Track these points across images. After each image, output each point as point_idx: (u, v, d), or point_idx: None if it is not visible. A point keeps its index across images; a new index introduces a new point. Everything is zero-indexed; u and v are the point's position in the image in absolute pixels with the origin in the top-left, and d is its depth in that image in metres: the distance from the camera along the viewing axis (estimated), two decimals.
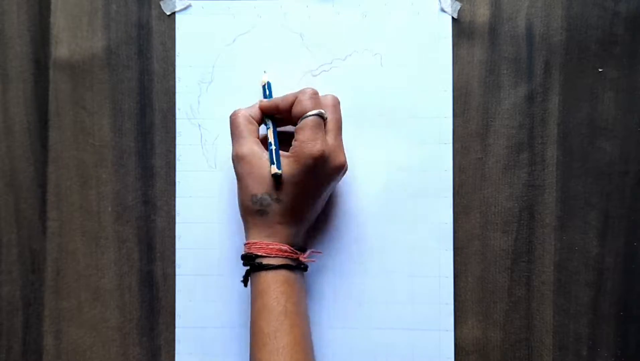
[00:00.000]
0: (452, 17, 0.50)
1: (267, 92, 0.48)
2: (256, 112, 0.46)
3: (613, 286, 0.49)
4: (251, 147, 0.44)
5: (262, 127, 0.48)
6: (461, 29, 0.50)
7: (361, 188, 0.50)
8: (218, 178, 0.51)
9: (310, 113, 0.43)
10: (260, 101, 0.47)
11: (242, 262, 0.45)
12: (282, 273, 0.43)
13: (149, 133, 0.51)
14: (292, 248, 0.44)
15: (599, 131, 0.50)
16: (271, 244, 0.44)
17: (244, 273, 0.45)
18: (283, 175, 0.43)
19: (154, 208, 0.51)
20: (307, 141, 0.43)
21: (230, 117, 0.46)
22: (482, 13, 0.50)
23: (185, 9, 0.51)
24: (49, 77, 0.51)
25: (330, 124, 0.45)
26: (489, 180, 0.50)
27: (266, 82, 0.49)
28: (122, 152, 0.51)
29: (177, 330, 0.50)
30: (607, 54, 0.50)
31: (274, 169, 0.43)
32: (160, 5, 0.51)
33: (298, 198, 0.44)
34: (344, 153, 0.45)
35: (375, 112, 0.50)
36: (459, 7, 0.50)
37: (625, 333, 0.49)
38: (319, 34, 0.51)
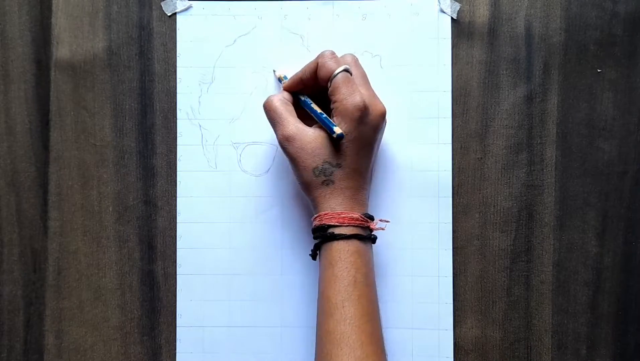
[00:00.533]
0: (452, 18, 0.50)
1: (282, 81, 0.49)
2: (287, 94, 0.47)
3: (612, 286, 0.49)
4: (295, 125, 0.44)
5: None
6: (460, 29, 0.50)
7: None
8: (219, 178, 0.51)
9: (337, 71, 0.43)
10: (283, 84, 0.47)
11: (312, 235, 0.45)
12: (354, 243, 0.43)
13: (149, 134, 0.51)
14: (362, 216, 0.44)
15: (597, 131, 0.50)
16: (342, 213, 0.43)
17: (312, 247, 0.45)
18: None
19: (155, 208, 0.51)
20: (346, 96, 0.43)
21: (265, 104, 0.46)
22: (482, 14, 0.50)
23: (186, 9, 0.51)
24: (50, 78, 0.51)
25: (357, 78, 0.45)
26: (488, 180, 0.50)
27: (282, 75, 0.49)
28: (123, 152, 0.51)
29: (177, 330, 0.50)
30: (606, 54, 0.50)
31: (337, 130, 0.42)
32: (161, 6, 0.51)
33: (356, 157, 0.44)
34: (381, 101, 0.45)
35: None
36: (458, 8, 0.50)
37: (624, 332, 0.49)
38: (319, 36, 0.51)
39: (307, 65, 0.45)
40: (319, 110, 0.45)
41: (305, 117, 0.46)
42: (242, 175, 0.51)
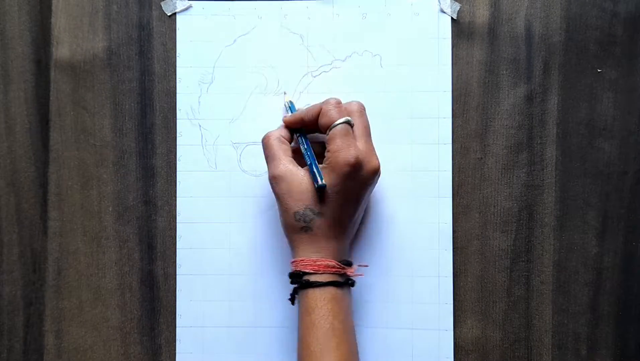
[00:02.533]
0: (452, 18, 0.50)
1: (290, 111, 0.49)
2: (285, 132, 0.47)
3: (612, 286, 0.49)
4: (286, 166, 0.44)
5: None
6: (460, 29, 0.50)
7: None
8: (218, 179, 0.51)
9: (337, 122, 0.43)
10: (284, 117, 0.48)
11: (290, 280, 0.45)
12: (330, 291, 0.43)
13: (149, 134, 0.51)
14: (339, 264, 0.44)
15: (597, 131, 0.50)
16: (318, 260, 0.43)
17: (290, 291, 0.45)
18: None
19: (155, 208, 0.51)
20: (340, 150, 0.43)
21: (262, 140, 0.46)
22: (482, 14, 0.50)
23: (185, 9, 0.51)
24: (50, 78, 0.51)
25: (359, 130, 0.45)
26: (488, 180, 0.50)
27: (288, 101, 0.49)
28: (123, 152, 0.51)
29: (177, 330, 0.50)
30: (606, 54, 0.50)
31: (318, 182, 0.43)
32: (161, 6, 0.51)
33: (339, 209, 0.44)
34: (377, 157, 0.45)
35: (375, 113, 0.50)
36: (458, 8, 0.50)
37: (624, 332, 0.49)
38: (319, 35, 0.51)
39: (311, 108, 0.46)
40: (309, 156, 0.45)
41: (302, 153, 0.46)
42: (242, 175, 0.51)
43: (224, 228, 0.51)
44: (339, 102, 0.45)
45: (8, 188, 0.51)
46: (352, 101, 0.46)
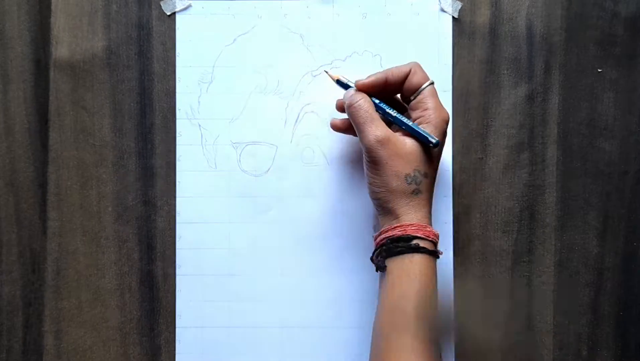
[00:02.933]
0: (453, 17, 0.50)
1: (344, 87, 0.47)
2: (367, 97, 0.45)
3: (613, 287, 0.49)
4: (387, 129, 0.43)
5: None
6: (461, 28, 0.50)
7: (361, 188, 0.50)
8: (218, 179, 0.51)
9: (429, 82, 0.44)
10: (357, 82, 0.45)
11: (386, 245, 0.43)
12: (431, 259, 0.43)
13: (149, 134, 0.51)
14: (437, 235, 0.44)
15: (598, 131, 0.50)
16: (428, 227, 0.43)
17: (376, 258, 0.44)
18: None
19: (154, 208, 0.51)
20: (438, 107, 0.44)
21: (353, 104, 0.44)
22: (483, 13, 0.50)
23: (185, 9, 0.51)
24: (49, 77, 0.51)
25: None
26: (489, 180, 0.50)
27: (337, 77, 0.47)
28: (122, 152, 0.51)
29: (177, 330, 0.50)
30: (606, 54, 0.50)
31: (433, 141, 0.42)
32: (160, 6, 0.51)
33: (436, 168, 0.45)
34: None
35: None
36: (459, 7, 0.50)
37: (625, 333, 0.49)
38: (319, 35, 0.51)
39: (396, 68, 0.45)
40: (404, 117, 0.44)
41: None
42: (242, 175, 0.51)
43: (223, 228, 0.51)
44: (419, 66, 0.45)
45: (7, 188, 0.51)
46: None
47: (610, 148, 0.50)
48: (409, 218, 0.43)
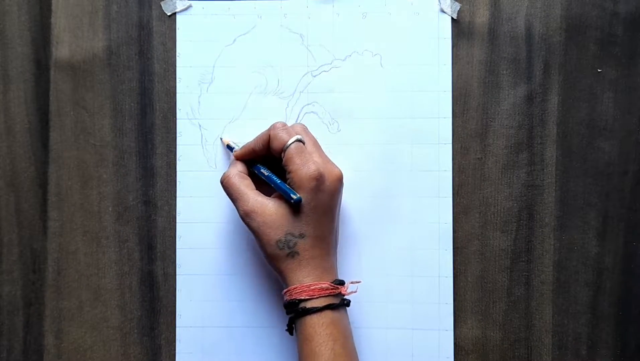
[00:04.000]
0: (452, 18, 0.50)
1: (231, 150, 0.49)
2: (241, 167, 0.47)
3: (612, 286, 0.49)
4: (255, 198, 0.44)
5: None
6: (461, 29, 0.50)
7: (361, 188, 0.50)
8: (218, 178, 0.51)
9: (290, 141, 0.44)
10: (234, 152, 0.47)
11: (285, 311, 0.44)
12: (327, 315, 0.42)
13: (149, 134, 0.51)
14: (332, 285, 0.44)
15: (598, 131, 0.50)
16: (312, 284, 0.43)
17: (287, 322, 0.45)
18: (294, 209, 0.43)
19: (155, 208, 0.51)
20: (300, 167, 0.43)
21: (222, 182, 0.46)
22: (482, 13, 0.50)
23: (185, 9, 0.51)
24: (49, 78, 0.51)
25: (309, 146, 0.45)
26: (489, 180, 0.50)
27: (227, 144, 0.49)
28: (122, 152, 0.51)
29: (177, 330, 0.50)
30: (606, 54, 0.50)
31: (293, 197, 0.43)
32: (160, 6, 0.51)
33: (318, 225, 0.44)
34: (336, 166, 0.46)
35: (375, 112, 0.50)
36: (458, 8, 0.50)
37: (624, 332, 0.49)
38: (319, 35, 0.51)
39: (259, 137, 0.46)
40: (275, 177, 0.45)
41: (261, 183, 0.46)
42: None
43: (224, 228, 0.51)
44: (284, 124, 0.45)
45: (8, 188, 0.51)
46: (294, 124, 0.47)
47: (610, 148, 0.50)
48: (292, 282, 0.43)
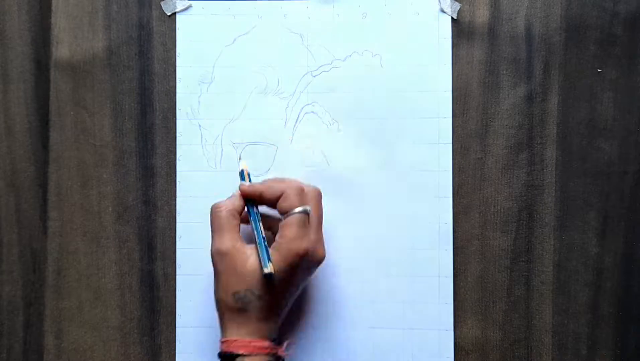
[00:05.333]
0: (452, 18, 0.50)
1: (245, 179, 0.47)
2: (239, 204, 0.45)
3: (612, 286, 0.49)
4: (233, 243, 0.43)
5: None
6: (461, 29, 0.50)
7: (361, 188, 0.50)
8: (218, 178, 0.51)
9: (297, 210, 0.43)
10: (242, 184, 0.46)
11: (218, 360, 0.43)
12: None
13: (149, 134, 0.51)
14: (272, 344, 0.43)
15: (598, 131, 0.50)
16: (253, 341, 0.42)
17: None
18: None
19: (155, 208, 0.51)
20: (294, 239, 0.42)
21: (212, 209, 0.45)
22: (482, 13, 0.50)
23: (185, 9, 0.51)
24: (49, 78, 0.51)
25: (313, 219, 0.44)
26: (489, 180, 0.50)
27: (243, 169, 0.48)
28: (122, 152, 0.51)
29: (177, 330, 0.50)
30: (606, 54, 0.50)
31: (266, 269, 0.42)
32: (160, 6, 0.51)
33: (279, 295, 0.43)
34: (324, 248, 0.45)
35: (375, 112, 0.50)
36: (458, 8, 0.50)
37: (625, 332, 0.49)
38: (319, 35, 0.51)
39: (273, 186, 0.44)
40: (262, 236, 0.44)
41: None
42: None
43: None
44: (302, 189, 0.44)
45: (8, 188, 0.51)
46: (311, 187, 0.46)
47: (610, 148, 0.50)
48: (232, 334, 0.43)
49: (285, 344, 0.45)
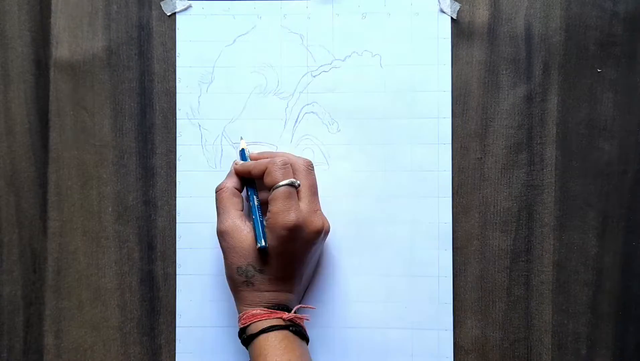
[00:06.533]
0: (452, 18, 0.50)
1: (242, 158, 0.48)
2: (237, 181, 0.47)
3: (612, 286, 0.49)
4: (233, 222, 0.44)
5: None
6: (460, 29, 0.50)
7: (361, 189, 0.50)
8: (219, 178, 0.51)
9: (281, 183, 0.43)
10: (235, 163, 0.48)
11: (241, 338, 0.45)
12: (278, 335, 0.43)
13: (149, 134, 0.51)
14: (287, 314, 0.44)
15: (597, 131, 0.50)
16: (266, 312, 0.44)
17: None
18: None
19: (155, 208, 0.51)
20: (279, 212, 0.43)
21: (216, 191, 0.46)
22: (481, 14, 0.50)
23: (185, 9, 0.51)
24: (49, 78, 0.51)
25: (304, 190, 0.45)
26: (488, 180, 0.50)
27: (243, 148, 0.49)
28: (122, 152, 0.51)
29: (177, 330, 0.50)
30: (605, 54, 0.50)
31: (258, 244, 0.43)
32: (160, 6, 0.51)
33: (281, 267, 0.44)
34: (321, 217, 0.45)
35: (374, 112, 0.50)
36: (458, 8, 0.50)
37: (624, 332, 0.49)
38: (319, 35, 0.51)
39: (258, 164, 0.45)
40: (258, 212, 0.45)
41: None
42: None
43: None
44: (285, 162, 0.44)
45: (8, 188, 0.51)
46: (301, 158, 0.46)
47: (610, 148, 0.50)
48: (244, 308, 0.45)
49: (294, 308, 0.45)
